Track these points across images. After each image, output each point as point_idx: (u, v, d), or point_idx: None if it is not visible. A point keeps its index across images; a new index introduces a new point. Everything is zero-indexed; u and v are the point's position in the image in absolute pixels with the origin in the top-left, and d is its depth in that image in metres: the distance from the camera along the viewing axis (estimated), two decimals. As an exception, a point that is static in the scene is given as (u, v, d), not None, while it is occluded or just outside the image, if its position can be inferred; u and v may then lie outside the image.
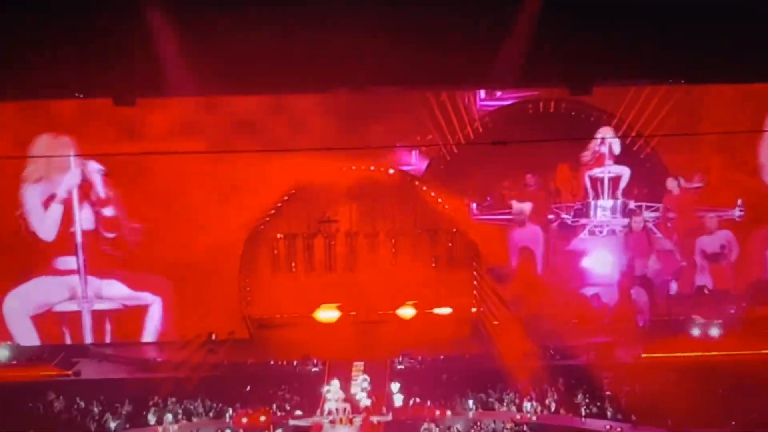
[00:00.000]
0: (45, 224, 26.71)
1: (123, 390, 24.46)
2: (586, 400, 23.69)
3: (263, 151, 24.58)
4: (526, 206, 27.66)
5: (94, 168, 26.39)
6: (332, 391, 23.16)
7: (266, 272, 27.77)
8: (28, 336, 26.93)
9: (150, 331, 27.36)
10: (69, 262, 26.97)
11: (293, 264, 27.88)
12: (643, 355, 25.12)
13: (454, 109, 27.00)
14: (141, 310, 27.23)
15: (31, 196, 26.55)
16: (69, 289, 27.11)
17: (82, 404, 24.11)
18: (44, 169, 26.39)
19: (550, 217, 27.86)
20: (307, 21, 23.25)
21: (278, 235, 27.77)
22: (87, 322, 27.19)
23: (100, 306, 27.15)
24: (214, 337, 26.35)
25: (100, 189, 26.61)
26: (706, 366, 23.90)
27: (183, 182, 26.39)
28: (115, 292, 27.06)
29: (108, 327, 27.31)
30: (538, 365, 24.32)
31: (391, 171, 27.26)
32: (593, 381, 24.13)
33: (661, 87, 26.37)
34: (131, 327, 27.33)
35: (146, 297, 27.19)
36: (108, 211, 26.78)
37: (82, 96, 25.58)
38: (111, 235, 26.82)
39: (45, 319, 27.07)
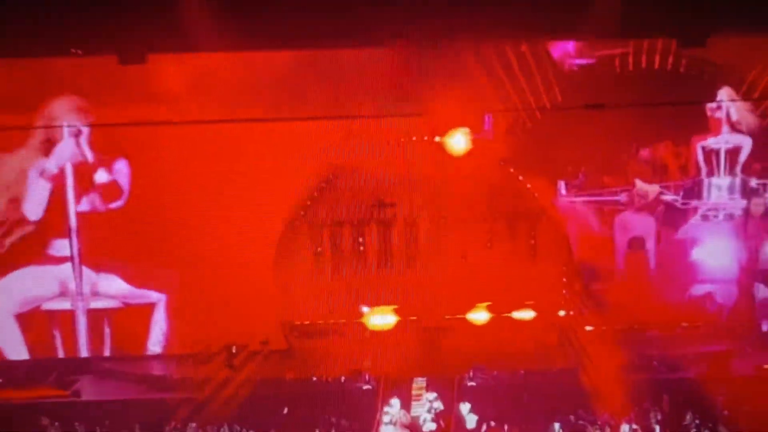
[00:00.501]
0: (31, 201, 25.86)
1: (132, 413, 23.38)
2: (697, 422, 22.32)
3: (303, 118, 23.78)
4: (653, 188, 26.47)
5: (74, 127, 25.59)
6: (391, 413, 22.31)
7: (308, 268, 26.70)
8: (12, 340, 26.08)
9: (158, 336, 26.61)
10: (59, 248, 26.07)
11: (340, 257, 26.81)
12: (767, 367, 24.24)
13: (538, 64, 25.73)
14: (146, 310, 26.48)
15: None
16: (59, 283, 26.23)
17: (82, 431, 22.98)
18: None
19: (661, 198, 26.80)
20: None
21: (323, 222, 26.72)
22: (82, 323, 26.33)
23: (97, 304, 26.32)
24: (234, 350, 25.42)
25: (87, 152, 25.85)
26: None
27: (202, 155, 25.34)
28: (114, 288, 26.26)
29: (107, 330, 26.51)
30: (639, 380, 23.13)
31: (461, 142, 25.91)
32: (705, 398, 22.87)
33: (793, 38, 24.99)
34: (135, 331, 26.55)
35: (152, 295, 26.41)
36: (101, 176, 25.93)
37: (81, 53, 24.12)
38: (116, 205, 25.92)
39: (32, 320, 26.23)
